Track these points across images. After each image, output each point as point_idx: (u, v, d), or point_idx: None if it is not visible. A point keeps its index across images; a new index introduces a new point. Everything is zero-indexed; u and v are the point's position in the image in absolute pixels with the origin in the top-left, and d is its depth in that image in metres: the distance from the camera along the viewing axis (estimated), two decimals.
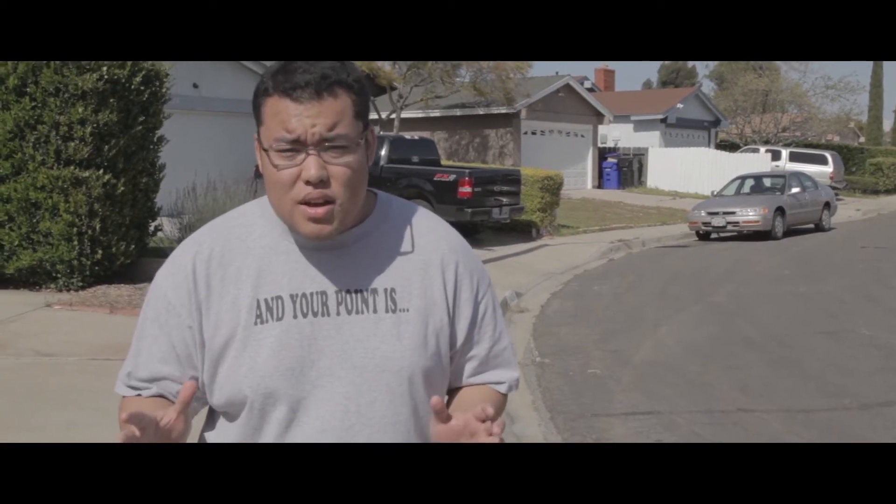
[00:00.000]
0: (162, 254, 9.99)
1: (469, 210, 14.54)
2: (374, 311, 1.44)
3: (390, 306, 1.45)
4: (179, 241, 10.12)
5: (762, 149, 33.89)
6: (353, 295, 1.44)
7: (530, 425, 6.07)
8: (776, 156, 32.95)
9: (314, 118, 1.34)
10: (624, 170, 31.74)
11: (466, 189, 14.48)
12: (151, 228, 9.75)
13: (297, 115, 1.34)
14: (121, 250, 8.93)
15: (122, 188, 8.83)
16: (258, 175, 11.51)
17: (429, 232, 1.53)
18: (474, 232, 15.99)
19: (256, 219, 1.49)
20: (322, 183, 1.35)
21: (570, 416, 6.23)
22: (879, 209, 29.20)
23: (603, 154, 32.00)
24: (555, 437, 5.78)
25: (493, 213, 15.19)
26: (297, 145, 1.34)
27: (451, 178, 14.70)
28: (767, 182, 21.40)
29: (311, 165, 1.34)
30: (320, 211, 1.37)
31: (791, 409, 6.35)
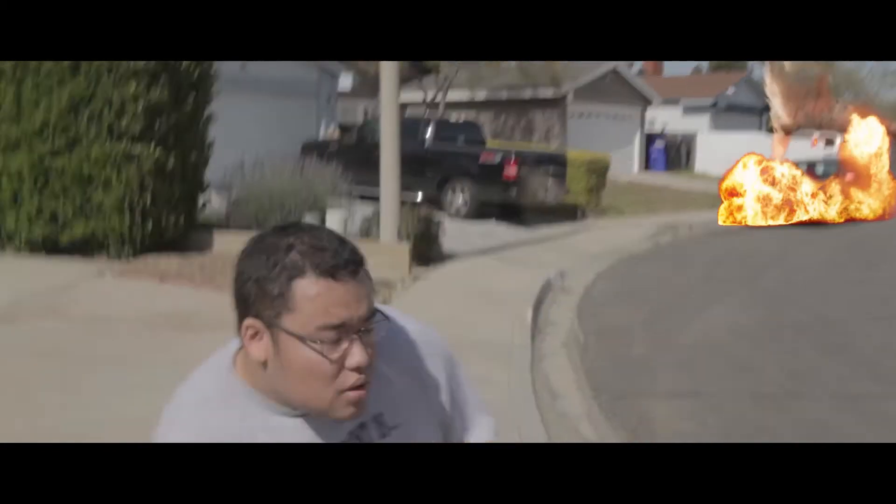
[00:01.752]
0: (210, 226, 10.14)
1: (514, 190, 14.48)
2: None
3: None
4: (227, 215, 10.30)
5: (816, 133, 33.17)
6: None
7: (573, 404, 6.05)
8: (830, 142, 32.24)
9: (359, 301, 1.27)
10: (671, 154, 31.34)
11: (512, 170, 14.42)
12: (200, 202, 9.89)
13: (346, 299, 1.25)
14: (170, 223, 9.08)
15: (173, 163, 8.96)
16: (304, 152, 11.57)
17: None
18: (518, 212, 15.93)
19: (231, 400, 1.34)
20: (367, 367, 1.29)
21: (613, 395, 6.19)
22: None
23: (650, 138, 31.61)
24: (597, 416, 5.75)
25: (538, 194, 15.11)
26: (342, 332, 1.25)
27: (497, 159, 14.64)
28: (820, 169, 20.96)
29: (359, 352, 1.26)
30: (364, 393, 1.30)
31: (840, 394, 6.24)
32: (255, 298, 1.25)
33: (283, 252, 1.24)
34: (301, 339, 1.24)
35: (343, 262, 1.25)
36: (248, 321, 1.26)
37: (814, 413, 5.82)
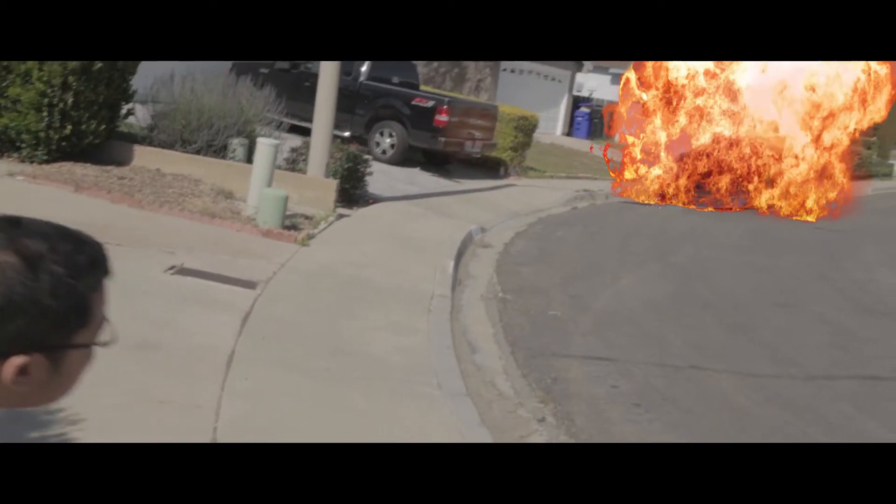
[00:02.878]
0: (131, 138, 9.75)
1: (443, 139, 14.41)
2: None
3: None
4: (150, 128, 9.92)
5: None
6: None
7: (491, 357, 6.16)
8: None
9: None
10: (595, 121, 31.73)
11: (443, 118, 14.33)
12: (124, 111, 9.48)
13: None
14: (90, 128, 8.68)
15: (100, 64, 8.54)
16: (236, 71, 11.14)
17: None
18: (444, 162, 15.89)
19: None
20: None
21: (529, 352, 6.32)
22: None
23: (577, 103, 31.91)
24: (514, 372, 5.87)
25: (465, 146, 15.09)
26: None
27: (430, 104, 14.52)
28: None
29: None
30: None
31: (742, 371, 6.54)
32: (26, 328, 1.04)
33: (53, 263, 1.07)
34: (91, 345, 1.13)
35: (104, 254, 1.15)
36: (17, 361, 1.05)
37: (716, 386, 6.09)
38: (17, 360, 1.04)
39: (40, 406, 1.17)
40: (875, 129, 49.04)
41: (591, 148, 19.31)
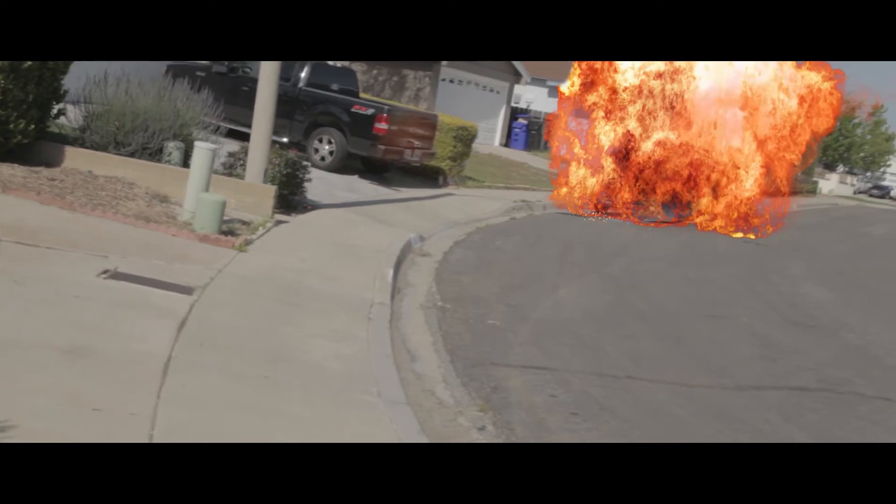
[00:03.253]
0: (62, 139, 9.48)
1: (382, 147, 14.39)
2: None
3: None
4: (83, 129, 9.64)
5: None
6: None
7: (430, 366, 6.16)
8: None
9: None
10: (532, 133, 32.08)
11: (383, 125, 14.31)
12: (55, 111, 9.21)
13: None
14: (19, 128, 8.41)
15: (30, 62, 8.28)
16: (172, 73, 10.96)
17: None
18: (383, 170, 15.87)
19: None
20: None
21: (469, 361, 6.34)
22: None
23: (514, 114, 32.22)
24: (454, 381, 5.88)
25: (404, 154, 15.09)
26: None
27: (369, 111, 14.48)
28: None
29: None
30: None
31: (675, 381, 6.67)
32: None
33: None
34: None
35: None
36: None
37: (652, 396, 6.20)
38: None
39: None
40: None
41: (552, 165, 19.50)
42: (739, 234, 18.22)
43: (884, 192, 68.71)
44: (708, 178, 18.82)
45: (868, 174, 73.14)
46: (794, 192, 38.33)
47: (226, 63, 15.58)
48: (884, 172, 73.46)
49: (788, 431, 5.87)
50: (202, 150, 8.31)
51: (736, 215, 18.77)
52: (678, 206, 19.09)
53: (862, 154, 67.29)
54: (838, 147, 64.12)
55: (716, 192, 18.89)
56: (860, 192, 65.44)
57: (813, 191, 46.67)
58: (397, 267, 8.95)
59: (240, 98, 14.12)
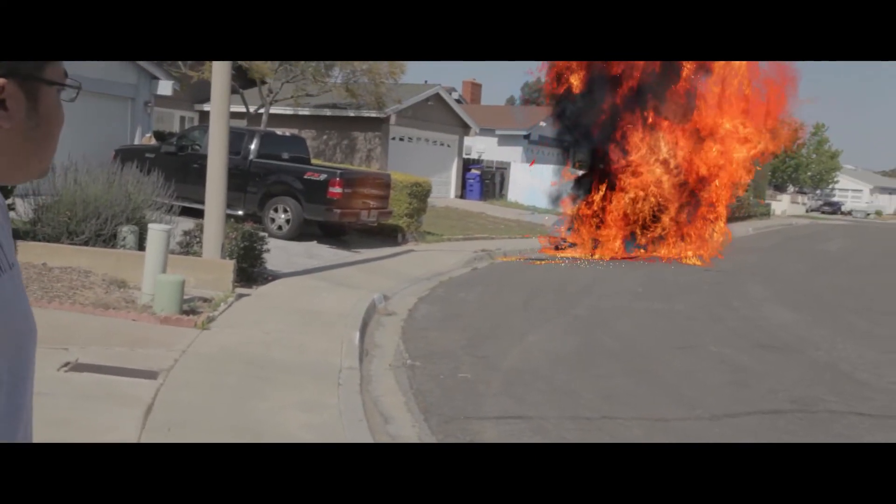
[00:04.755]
0: (13, 234, 9.36)
1: (338, 211, 14.43)
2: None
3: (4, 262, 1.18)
4: (33, 222, 9.55)
5: None
6: None
7: (405, 426, 6.10)
8: None
9: None
10: (487, 182, 32.40)
11: (337, 189, 14.37)
12: None
13: None
14: None
15: None
16: (121, 158, 10.92)
17: None
18: (341, 233, 15.89)
19: None
20: None
21: (443, 418, 6.30)
22: None
23: (467, 165, 32.56)
24: (430, 439, 5.83)
25: (361, 216, 15.14)
26: None
27: (322, 177, 14.55)
28: None
29: None
30: None
31: (650, 417, 6.68)
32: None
33: None
34: (60, 86, 1.17)
35: None
36: None
37: (628, 434, 6.19)
38: None
39: (23, 177, 1.20)
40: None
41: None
42: (695, 262, 18.53)
43: (835, 208, 70.36)
44: (660, 210, 19.21)
45: (818, 192, 74.89)
46: (746, 217, 39.13)
47: (173, 142, 15.62)
48: (832, 189, 75.29)
49: None
50: (156, 231, 8.27)
51: (690, 244, 19.13)
52: (632, 240, 19.38)
53: (809, 173, 68.96)
54: (786, 168, 65.67)
55: (665, 224, 19.29)
56: (812, 210, 66.94)
57: (766, 213, 47.61)
58: (363, 329, 8.91)
59: (191, 175, 14.13)
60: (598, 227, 19.36)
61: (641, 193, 19.04)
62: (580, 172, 21.31)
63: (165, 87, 18.73)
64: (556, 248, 19.48)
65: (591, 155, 20.41)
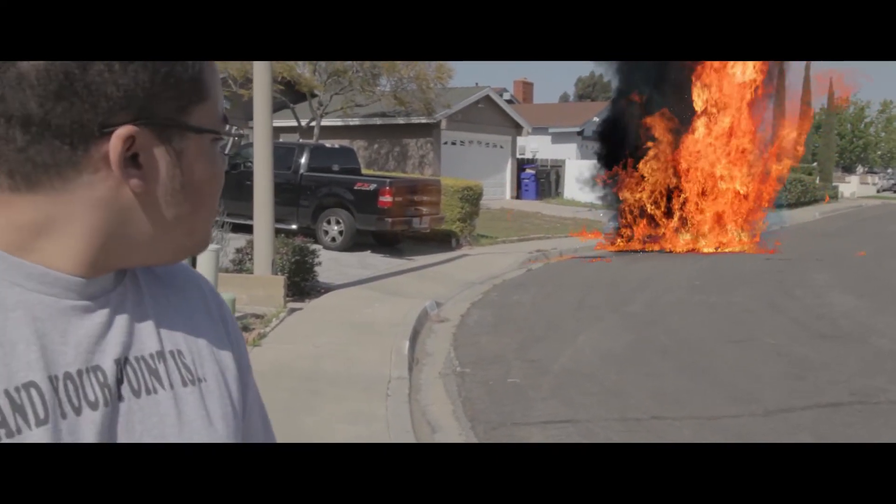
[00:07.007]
0: None
1: (389, 220, 14.56)
2: (171, 385, 0.91)
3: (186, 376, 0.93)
4: None
5: None
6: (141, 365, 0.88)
7: (451, 434, 6.13)
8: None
9: None
10: (542, 181, 32.26)
11: (387, 198, 14.49)
12: None
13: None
14: None
15: None
16: None
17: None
18: (394, 241, 16.02)
19: None
20: None
21: (490, 424, 6.31)
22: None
23: (521, 165, 32.47)
24: None
25: (413, 223, 15.24)
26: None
27: (372, 187, 14.69)
28: None
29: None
30: None
31: (700, 416, 6.57)
32: (144, 90, 0.80)
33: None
34: (216, 134, 0.89)
35: None
36: (124, 131, 0.80)
37: (677, 434, 6.11)
38: (122, 131, 0.79)
39: (171, 255, 0.90)
40: (813, 154, 50.38)
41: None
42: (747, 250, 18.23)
43: None
44: (711, 201, 18.97)
45: (889, 171, 72.52)
46: (811, 201, 38.20)
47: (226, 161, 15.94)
48: None
49: None
50: (206, 252, 8.46)
51: (742, 232, 18.88)
52: (687, 231, 19.16)
53: (879, 152, 66.85)
54: (854, 149, 63.76)
55: (720, 213, 19.05)
56: (884, 190, 64.76)
57: (834, 196, 46.27)
58: (414, 338, 8.97)
59: (244, 193, 14.39)
60: (651, 222, 19.14)
61: (693, 186, 18.80)
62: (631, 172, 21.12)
63: None
64: (612, 244, 19.31)
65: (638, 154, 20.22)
